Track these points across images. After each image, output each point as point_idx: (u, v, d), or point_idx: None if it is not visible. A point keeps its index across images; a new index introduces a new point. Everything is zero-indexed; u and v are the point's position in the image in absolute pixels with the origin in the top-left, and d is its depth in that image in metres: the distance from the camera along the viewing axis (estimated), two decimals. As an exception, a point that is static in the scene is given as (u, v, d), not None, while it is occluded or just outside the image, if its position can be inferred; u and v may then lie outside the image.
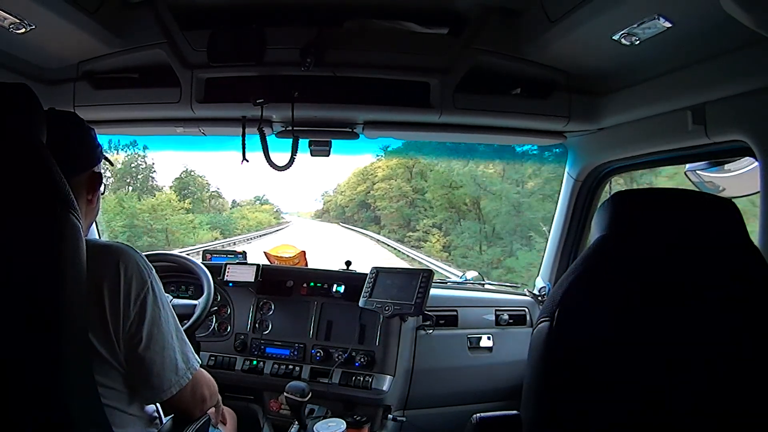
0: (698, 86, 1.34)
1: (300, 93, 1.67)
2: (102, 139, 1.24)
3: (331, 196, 26.87)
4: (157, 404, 1.19)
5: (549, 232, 2.28)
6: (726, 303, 0.90)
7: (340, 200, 24.61)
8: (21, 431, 0.85)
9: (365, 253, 14.25)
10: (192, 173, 19.28)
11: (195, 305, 1.71)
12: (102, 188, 1.17)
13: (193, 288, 2.13)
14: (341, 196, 24.65)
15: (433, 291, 1.98)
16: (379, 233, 18.81)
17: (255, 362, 2.04)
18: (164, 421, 1.20)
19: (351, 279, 2.10)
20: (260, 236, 17.61)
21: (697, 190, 1.62)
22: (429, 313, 2.00)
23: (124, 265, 1.00)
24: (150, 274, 1.04)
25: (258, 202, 23.64)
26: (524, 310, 2.23)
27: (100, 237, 2.24)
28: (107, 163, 1.27)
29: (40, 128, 0.93)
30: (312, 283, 2.13)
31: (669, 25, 1.18)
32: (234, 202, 22.44)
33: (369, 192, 20.56)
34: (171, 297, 1.72)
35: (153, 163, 16.53)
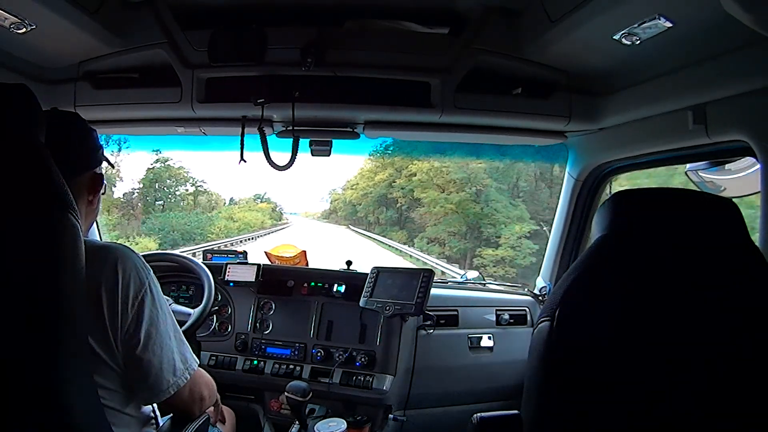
0: (699, 86, 1.34)
1: (301, 93, 1.68)
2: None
3: (339, 194, 22.08)
4: (154, 404, 1.19)
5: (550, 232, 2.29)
6: (726, 303, 0.90)
7: (351, 196, 19.38)
8: (21, 431, 0.85)
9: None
10: (167, 163, 15.38)
11: (189, 314, 1.72)
12: (102, 189, 1.18)
13: (193, 288, 2.13)
14: (352, 191, 19.17)
15: (433, 291, 1.97)
16: (411, 244, 12.89)
17: (255, 362, 2.04)
18: (162, 421, 1.21)
19: (352, 279, 2.10)
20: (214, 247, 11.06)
21: (697, 190, 1.62)
22: (430, 312, 2.00)
23: (122, 266, 1.00)
24: (148, 275, 1.04)
25: (259, 200, 20.71)
26: (525, 310, 2.23)
27: (100, 237, 2.24)
28: (108, 164, 1.27)
29: (39, 128, 0.93)
30: (313, 283, 2.12)
31: (669, 25, 1.18)
32: (232, 200, 19.57)
33: (394, 182, 14.93)
34: (171, 301, 1.72)
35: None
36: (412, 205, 14.04)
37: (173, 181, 16.27)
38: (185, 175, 16.46)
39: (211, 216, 16.58)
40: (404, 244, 13.46)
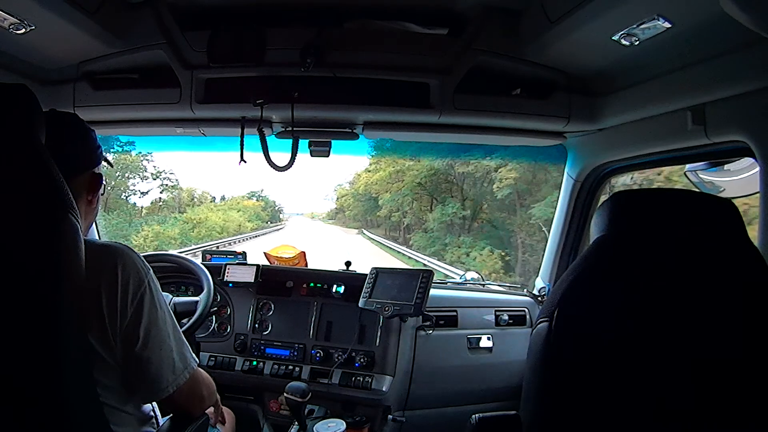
0: (698, 86, 1.34)
1: (300, 93, 1.68)
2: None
3: (346, 190, 16.66)
4: (154, 403, 1.19)
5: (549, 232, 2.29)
6: (726, 303, 0.90)
7: (368, 182, 13.11)
8: (21, 430, 0.85)
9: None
10: (115, 145, 9.31)
11: (197, 302, 1.71)
12: (102, 189, 1.18)
13: (192, 288, 2.13)
14: (368, 176, 13.20)
15: (432, 291, 1.98)
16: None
17: (255, 363, 2.04)
18: (162, 421, 1.20)
19: (351, 279, 2.10)
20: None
21: (697, 190, 1.62)
22: (429, 313, 2.00)
23: (122, 265, 1.00)
24: (147, 274, 1.05)
25: (255, 198, 17.97)
26: (524, 311, 2.23)
27: (99, 237, 2.24)
28: (107, 164, 1.27)
29: (39, 129, 0.93)
30: (312, 284, 2.13)
31: (668, 25, 1.19)
32: (223, 197, 16.95)
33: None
34: (171, 297, 1.72)
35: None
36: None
37: (123, 172, 12.67)
38: (142, 164, 12.84)
39: (176, 217, 13.04)
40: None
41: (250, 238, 13.79)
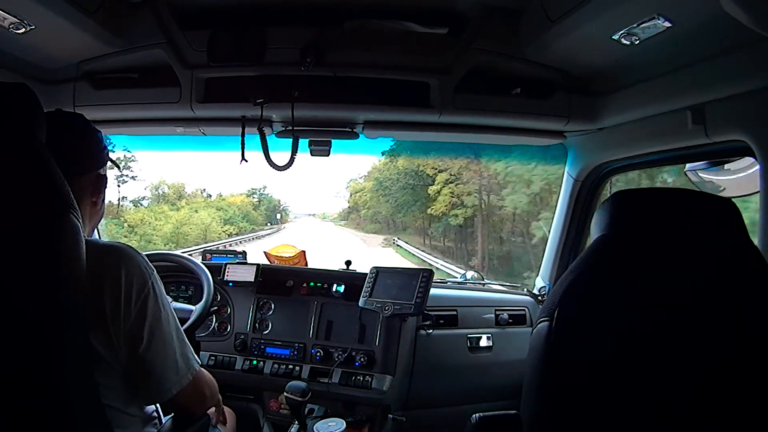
0: (698, 86, 1.34)
1: (300, 93, 1.68)
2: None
3: (360, 184, 14.72)
4: (157, 404, 1.19)
5: (549, 232, 2.29)
6: (725, 303, 0.90)
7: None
8: (21, 431, 0.85)
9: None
10: None
11: (191, 311, 1.71)
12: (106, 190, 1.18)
13: (193, 288, 2.13)
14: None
15: (433, 291, 1.98)
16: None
17: (255, 362, 2.04)
18: (164, 421, 1.20)
19: (351, 279, 2.10)
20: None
21: (697, 190, 1.62)
22: (429, 312, 2.00)
23: (126, 266, 1.00)
24: (151, 275, 1.04)
25: (255, 196, 16.09)
26: (524, 310, 2.23)
27: (100, 238, 2.24)
28: (113, 165, 1.26)
29: (40, 128, 0.93)
30: (312, 283, 2.13)
31: (668, 24, 1.19)
32: (220, 195, 15.47)
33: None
34: (170, 299, 1.72)
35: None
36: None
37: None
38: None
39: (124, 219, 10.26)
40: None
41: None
